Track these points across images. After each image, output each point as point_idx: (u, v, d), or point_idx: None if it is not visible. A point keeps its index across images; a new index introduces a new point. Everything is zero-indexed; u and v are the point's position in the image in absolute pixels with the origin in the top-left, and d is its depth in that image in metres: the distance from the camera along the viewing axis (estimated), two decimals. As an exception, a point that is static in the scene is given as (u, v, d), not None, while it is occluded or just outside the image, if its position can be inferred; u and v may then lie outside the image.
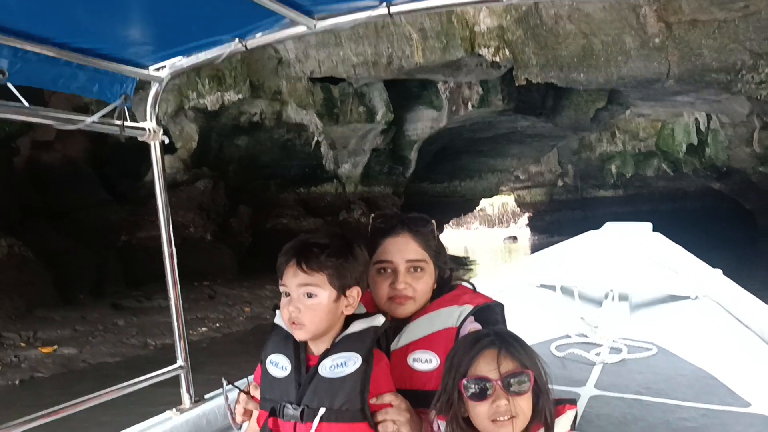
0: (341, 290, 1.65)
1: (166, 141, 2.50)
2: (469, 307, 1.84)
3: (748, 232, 26.19)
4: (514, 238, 39.28)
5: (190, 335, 9.98)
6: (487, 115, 21.77)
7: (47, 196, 13.81)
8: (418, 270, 1.85)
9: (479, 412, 1.45)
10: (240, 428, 1.83)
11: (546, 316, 4.52)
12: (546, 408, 1.48)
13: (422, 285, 1.85)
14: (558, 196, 36.33)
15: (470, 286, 1.98)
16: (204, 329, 10.57)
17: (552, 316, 4.52)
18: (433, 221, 1.93)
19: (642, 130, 30.92)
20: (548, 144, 28.17)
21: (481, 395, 1.44)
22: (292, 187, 19.71)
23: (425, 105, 20.68)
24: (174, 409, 2.35)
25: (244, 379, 1.89)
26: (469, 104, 20.56)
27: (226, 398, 1.85)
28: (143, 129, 2.38)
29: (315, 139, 18.88)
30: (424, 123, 21.22)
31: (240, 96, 16.29)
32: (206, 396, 2.45)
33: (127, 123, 2.26)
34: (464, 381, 1.46)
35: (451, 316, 1.83)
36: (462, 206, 30.68)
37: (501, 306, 1.92)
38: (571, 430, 1.54)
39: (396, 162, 21.66)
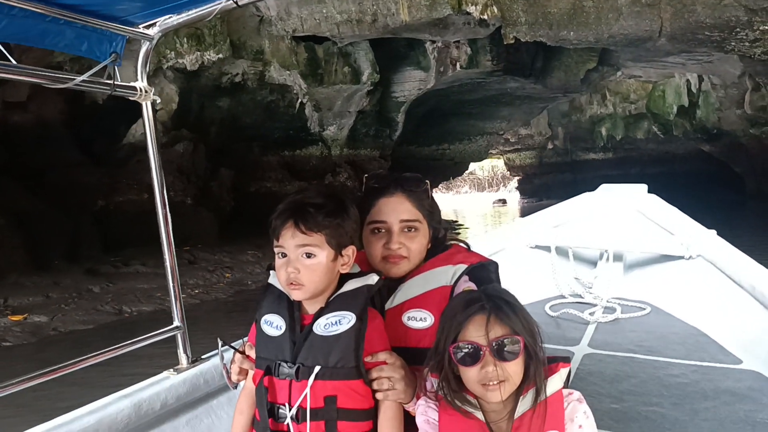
0: (338, 249, 1.65)
1: (158, 101, 2.49)
2: (463, 266, 1.86)
3: (737, 195, 26.10)
4: (503, 201, 39.21)
5: (165, 303, 9.73)
6: (476, 76, 21.47)
7: (18, 156, 13.34)
8: (412, 230, 1.86)
9: (469, 376, 1.47)
10: (236, 387, 1.85)
11: (541, 276, 4.60)
12: (536, 372, 1.47)
13: (416, 245, 1.86)
14: (547, 159, 36.19)
15: (464, 246, 1.99)
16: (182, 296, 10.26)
17: (547, 276, 4.60)
18: (427, 181, 1.92)
19: (633, 92, 30.70)
20: (538, 106, 27.95)
21: (470, 360, 1.45)
22: (276, 149, 19.28)
23: (412, 66, 20.27)
24: (171, 369, 2.37)
25: (239, 341, 1.89)
26: (458, 65, 20.24)
27: (222, 358, 1.88)
28: (134, 89, 2.36)
29: (299, 100, 18.40)
30: (411, 84, 20.85)
31: (220, 56, 15.76)
32: (203, 356, 2.47)
33: (118, 82, 2.25)
34: (454, 346, 1.47)
35: (446, 275, 1.85)
36: (451, 170, 30.43)
37: (495, 264, 1.93)
38: (564, 387, 1.54)
39: (383, 124, 21.26)
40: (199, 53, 15.39)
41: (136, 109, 2.45)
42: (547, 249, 4.77)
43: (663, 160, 30.88)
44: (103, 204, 13.80)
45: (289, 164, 19.37)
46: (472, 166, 49.77)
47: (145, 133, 2.46)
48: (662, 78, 27.15)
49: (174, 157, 14.54)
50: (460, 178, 51.06)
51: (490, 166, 51.88)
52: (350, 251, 1.69)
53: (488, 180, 53.19)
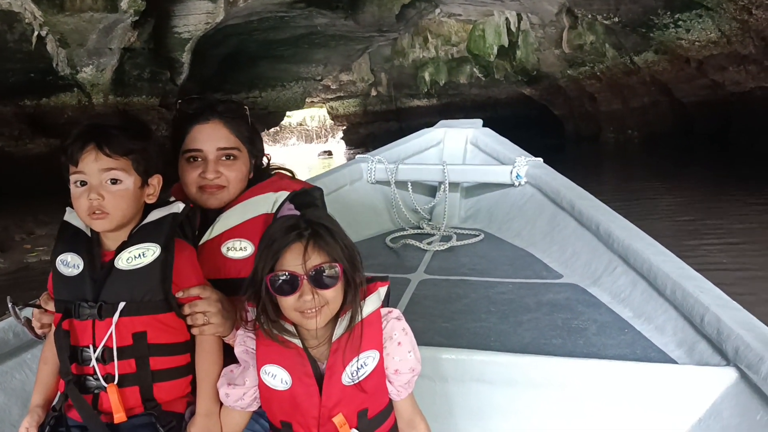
0: (145, 177, 1.59)
1: None
2: (285, 193, 1.82)
3: (556, 139, 25.71)
4: (329, 152, 37.04)
5: None
6: (276, 8, 18.70)
7: None
8: (231, 158, 1.81)
9: (287, 305, 1.46)
10: (44, 338, 1.73)
11: (382, 211, 4.89)
12: (354, 297, 1.48)
13: (235, 173, 1.81)
14: (372, 107, 34.44)
15: (288, 174, 1.95)
16: None
17: (387, 210, 4.88)
18: (246, 107, 1.88)
19: (455, 33, 29.44)
20: (356, 48, 25.86)
21: (288, 289, 1.44)
22: (13, 98, 15.00)
23: (197, -6, 16.91)
24: None
25: (34, 300, 1.73)
26: (250, -7, 17.32)
27: (18, 318, 1.75)
28: None
29: (35, 33, 14.30)
30: (197, 17, 17.50)
31: None
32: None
33: None
34: (271, 275, 1.44)
35: (267, 202, 1.81)
36: (265, 119, 27.53)
37: (320, 191, 1.93)
38: (382, 306, 1.55)
39: (161, 66, 17.57)
40: None
41: None
42: (388, 184, 4.86)
43: (486, 105, 30.15)
44: None
45: (32, 116, 15.25)
46: (299, 117, 47.07)
47: None
48: (482, 17, 25.82)
49: None
50: (287, 129, 48.20)
51: (320, 116, 49.36)
52: (156, 180, 1.62)
53: (316, 131, 50.62)
